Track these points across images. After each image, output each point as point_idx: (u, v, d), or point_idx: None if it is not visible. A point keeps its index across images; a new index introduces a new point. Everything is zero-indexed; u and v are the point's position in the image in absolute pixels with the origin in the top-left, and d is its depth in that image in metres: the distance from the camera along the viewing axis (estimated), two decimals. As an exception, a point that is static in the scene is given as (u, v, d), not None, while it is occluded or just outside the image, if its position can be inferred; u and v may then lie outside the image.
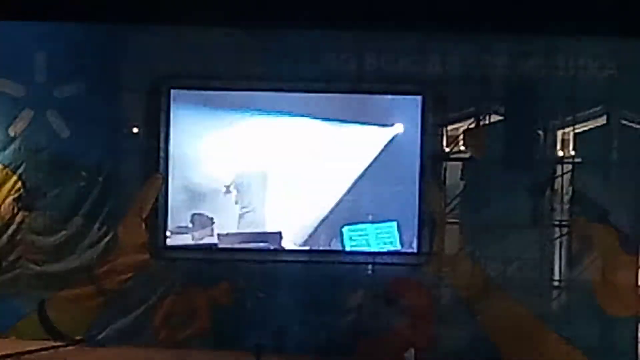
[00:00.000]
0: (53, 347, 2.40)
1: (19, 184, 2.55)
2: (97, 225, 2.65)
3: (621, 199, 2.35)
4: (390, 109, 2.04)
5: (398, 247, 2.02)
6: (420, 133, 1.99)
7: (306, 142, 2.00)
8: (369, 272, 2.23)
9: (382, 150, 2.03)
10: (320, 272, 2.24)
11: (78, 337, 2.57)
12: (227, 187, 1.97)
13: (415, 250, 2.03)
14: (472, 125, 2.41)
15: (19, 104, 2.67)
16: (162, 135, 2.14)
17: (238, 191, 1.97)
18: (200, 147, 2.01)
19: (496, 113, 2.41)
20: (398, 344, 2.27)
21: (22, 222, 2.68)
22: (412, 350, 2.41)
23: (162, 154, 2.10)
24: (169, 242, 2.03)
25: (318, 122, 2.04)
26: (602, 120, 2.45)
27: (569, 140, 2.46)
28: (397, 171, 2.01)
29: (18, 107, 2.67)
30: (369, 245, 2.03)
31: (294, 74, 2.30)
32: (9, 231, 2.72)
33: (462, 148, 2.38)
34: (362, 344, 2.39)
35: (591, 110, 2.42)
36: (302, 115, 2.02)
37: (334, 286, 2.30)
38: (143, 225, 2.17)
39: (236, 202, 1.98)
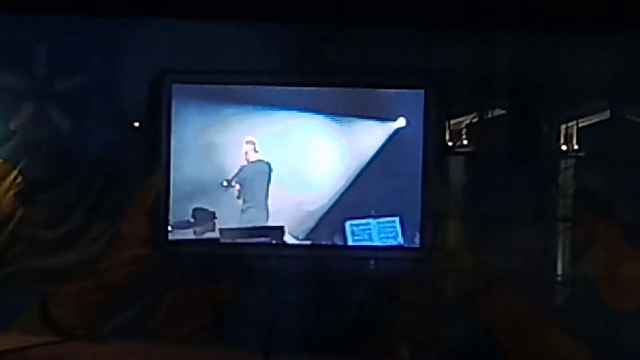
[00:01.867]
0: (54, 342, 2.39)
1: (20, 178, 2.55)
2: (98, 220, 2.64)
3: (625, 192, 2.35)
4: (393, 103, 2.04)
5: (401, 242, 2.02)
6: (423, 127, 1.99)
7: (308, 136, 1.99)
8: (372, 266, 2.23)
9: (385, 145, 2.02)
10: (322, 266, 2.24)
11: (80, 332, 2.56)
12: (229, 181, 1.96)
13: (418, 245, 2.03)
14: (476, 120, 2.40)
15: (19, 97, 2.67)
16: (164, 129, 2.14)
17: (241, 186, 1.97)
18: (202, 141, 2.01)
19: (500, 107, 2.41)
20: (401, 338, 2.27)
21: (23, 216, 2.67)
22: None
23: (163, 148, 2.11)
24: (170, 236, 2.03)
25: (320, 115, 2.03)
26: (606, 114, 2.44)
27: (572, 134, 2.46)
28: (400, 165, 2.00)
29: (18, 101, 2.67)
30: (371, 239, 2.02)
31: (296, 67, 2.30)
32: (10, 226, 2.71)
33: (466, 142, 2.37)
34: (365, 339, 2.38)
35: (595, 104, 2.42)
36: (305, 109, 2.02)
37: (336, 281, 2.30)
38: (145, 220, 2.17)
39: (238, 197, 1.97)
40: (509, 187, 2.20)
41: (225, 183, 2.05)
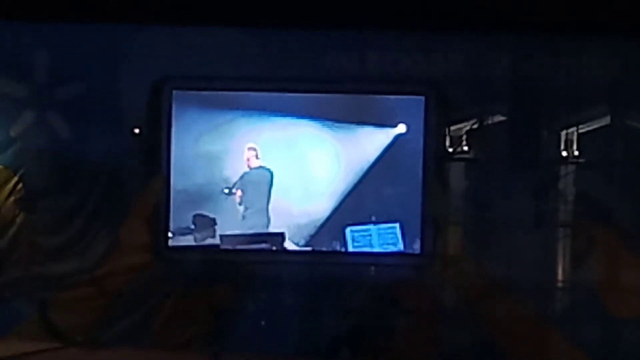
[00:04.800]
0: (55, 349, 2.38)
1: (20, 184, 2.55)
2: (98, 226, 2.63)
3: (626, 198, 2.34)
4: (393, 110, 2.04)
5: (401, 248, 2.02)
6: (423, 133, 1.99)
7: (309, 142, 1.99)
8: (372, 272, 2.23)
9: (385, 151, 2.02)
10: (322, 272, 2.23)
11: (80, 338, 2.55)
12: (230, 189, 1.96)
13: (418, 251, 2.03)
14: (476, 126, 2.40)
15: (20, 104, 2.66)
16: (165, 136, 2.14)
17: (242, 192, 1.97)
18: (203, 147, 2.01)
19: (500, 113, 2.41)
20: (401, 344, 2.26)
21: (23, 223, 2.66)
22: None
23: (164, 154, 2.10)
24: (171, 243, 2.03)
25: (320, 122, 2.04)
26: (606, 120, 2.44)
27: (573, 140, 2.45)
28: (400, 172, 2.00)
29: (19, 108, 2.66)
30: (372, 246, 2.02)
31: (296, 74, 2.30)
32: (10, 232, 2.70)
33: (466, 148, 2.37)
34: (365, 345, 2.37)
35: (596, 110, 2.42)
36: (305, 116, 2.02)
37: (336, 287, 2.29)
38: (145, 226, 2.16)
39: (240, 203, 1.97)
40: (509, 193, 2.20)
41: (226, 191, 2.05)
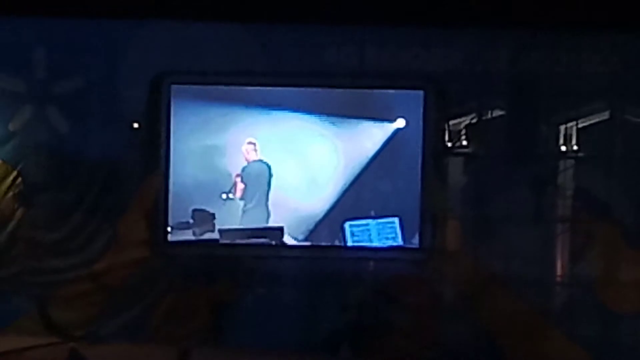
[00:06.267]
0: (53, 344, 2.37)
1: (19, 179, 2.55)
2: (97, 221, 2.63)
3: (624, 193, 2.34)
4: (392, 104, 2.03)
5: (400, 243, 2.02)
6: (422, 128, 1.98)
7: (307, 136, 1.99)
8: (371, 267, 2.22)
9: (384, 146, 2.02)
10: (321, 267, 2.23)
11: (79, 334, 2.54)
12: (227, 193, 1.95)
13: (417, 246, 2.02)
14: (475, 120, 2.39)
15: (18, 99, 2.66)
16: (163, 131, 2.13)
17: (244, 185, 1.96)
18: (201, 142, 2.00)
19: (499, 108, 2.40)
20: (399, 339, 2.26)
21: (22, 218, 2.66)
22: None
23: (163, 149, 2.10)
24: (169, 237, 2.02)
25: (319, 116, 2.03)
26: (605, 115, 2.44)
27: (571, 135, 2.45)
28: (399, 166, 2.00)
29: (18, 103, 2.66)
30: (371, 240, 2.02)
31: (295, 68, 2.30)
32: (9, 227, 2.70)
33: (465, 143, 2.37)
34: (363, 340, 2.37)
35: (594, 105, 2.41)
36: (304, 110, 2.01)
37: (335, 281, 2.29)
38: (144, 221, 2.16)
39: (241, 199, 1.97)
40: (508, 188, 2.20)
41: (224, 196, 2.05)
